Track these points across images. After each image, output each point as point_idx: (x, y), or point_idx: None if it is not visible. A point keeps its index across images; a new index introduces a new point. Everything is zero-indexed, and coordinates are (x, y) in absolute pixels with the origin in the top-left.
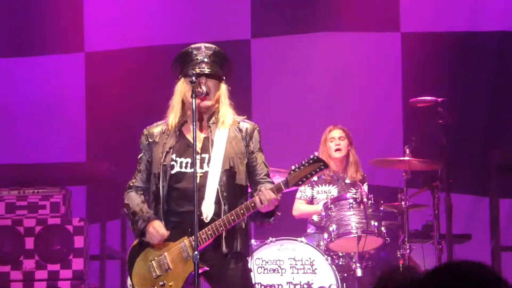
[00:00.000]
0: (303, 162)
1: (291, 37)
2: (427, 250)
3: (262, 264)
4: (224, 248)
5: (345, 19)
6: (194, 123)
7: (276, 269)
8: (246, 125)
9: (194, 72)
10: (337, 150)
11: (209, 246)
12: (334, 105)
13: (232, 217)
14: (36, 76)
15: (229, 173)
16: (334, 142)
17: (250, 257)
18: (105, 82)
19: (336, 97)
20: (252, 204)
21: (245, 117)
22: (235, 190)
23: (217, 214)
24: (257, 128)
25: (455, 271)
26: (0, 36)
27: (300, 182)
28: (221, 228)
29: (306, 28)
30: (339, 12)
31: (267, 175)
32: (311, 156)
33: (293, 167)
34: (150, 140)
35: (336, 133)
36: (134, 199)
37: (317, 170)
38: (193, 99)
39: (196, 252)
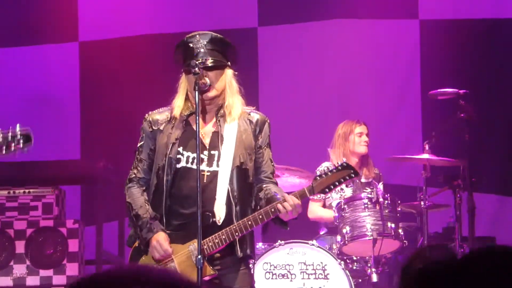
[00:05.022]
0: (331, 168)
1: (300, 25)
2: None
3: (270, 269)
4: (239, 253)
5: (358, 5)
6: (197, 117)
7: (286, 275)
8: (256, 116)
9: (195, 63)
10: (364, 145)
11: (222, 250)
12: (346, 97)
13: (250, 223)
14: (27, 67)
15: (240, 170)
16: (362, 138)
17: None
18: (101, 73)
19: (349, 89)
20: (273, 210)
21: (254, 108)
22: (246, 189)
23: (228, 216)
24: (268, 121)
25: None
26: None
27: (327, 190)
28: (237, 234)
29: (317, 15)
30: None
31: (273, 173)
32: (340, 162)
33: (319, 173)
34: (154, 127)
35: (364, 128)
36: (137, 199)
37: (346, 177)
38: (196, 92)
39: (199, 256)
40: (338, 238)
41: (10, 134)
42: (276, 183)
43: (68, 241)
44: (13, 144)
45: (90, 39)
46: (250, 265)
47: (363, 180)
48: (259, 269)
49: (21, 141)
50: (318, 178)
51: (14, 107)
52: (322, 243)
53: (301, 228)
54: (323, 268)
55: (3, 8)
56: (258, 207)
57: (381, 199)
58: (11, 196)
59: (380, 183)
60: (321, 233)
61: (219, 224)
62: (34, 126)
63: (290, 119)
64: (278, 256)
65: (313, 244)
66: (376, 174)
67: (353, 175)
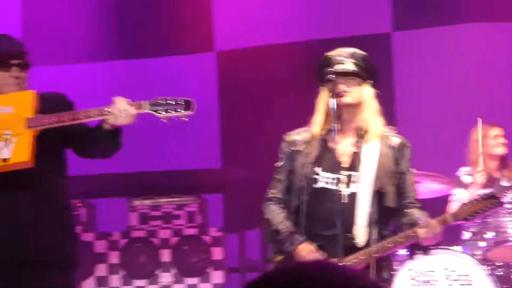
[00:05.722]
0: (476, 198)
1: (436, 29)
2: None
3: (413, 276)
4: (372, 276)
5: (498, 8)
6: (334, 125)
7: (429, 281)
8: (397, 140)
9: (331, 70)
10: (501, 146)
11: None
12: (483, 102)
13: (389, 245)
14: (166, 78)
15: (379, 194)
16: (497, 140)
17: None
18: (239, 82)
19: (486, 94)
20: (413, 234)
21: (396, 131)
22: (384, 212)
23: (367, 239)
24: (409, 146)
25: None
26: (130, 38)
27: (470, 217)
28: (376, 255)
29: (453, 19)
30: (491, 0)
31: (416, 198)
32: (486, 192)
33: (464, 201)
34: (292, 148)
35: (499, 131)
36: (277, 215)
37: (490, 206)
38: (332, 99)
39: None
40: (482, 243)
41: (171, 99)
42: (419, 208)
43: (211, 249)
44: (172, 109)
45: (227, 49)
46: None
47: (504, 183)
48: (402, 276)
49: (182, 107)
50: (463, 205)
51: (154, 118)
52: (466, 248)
53: (443, 233)
54: (467, 274)
55: (140, 21)
56: (401, 232)
57: None
58: (155, 205)
59: None
60: (464, 238)
61: (359, 246)
62: (175, 136)
63: (427, 125)
64: (421, 262)
65: (456, 250)
66: None
67: (497, 204)
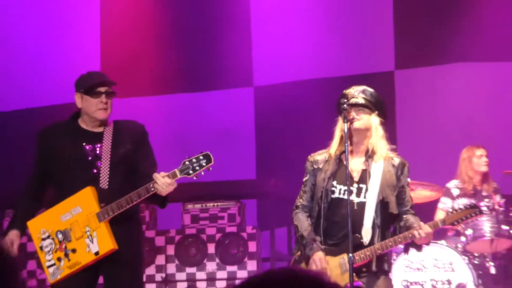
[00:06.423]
0: (461, 207)
1: (432, 68)
2: None
3: (408, 264)
4: (374, 267)
5: (487, 49)
6: (346, 144)
7: (420, 268)
8: (398, 160)
9: (344, 101)
10: (484, 165)
11: (364, 265)
12: (470, 127)
13: (390, 243)
14: (210, 109)
15: (383, 203)
16: (483, 159)
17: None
18: (274, 114)
19: (472, 121)
20: (410, 235)
21: (396, 153)
22: (386, 218)
23: (371, 238)
24: (407, 165)
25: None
26: (180, 74)
27: (456, 223)
28: (379, 251)
29: (453, 58)
30: (481, 42)
31: (412, 207)
32: (469, 203)
33: (451, 210)
34: (314, 166)
35: (483, 151)
36: (303, 222)
37: (472, 214)
38: (345, 124)
39: (350, 255)
40: (462, 238)
41: (193, 158)
42: (414, 214)
43: (248, 243)
44: (197, 167)
45: (264, 84)
46: (389, 274)
47: (484, 193)
48: (399, 264)
49: (204, 162)
50: (449, 213)
51: (203, 142)
52: (450, 242)
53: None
54: (450, 263)
55: (188, 58)
56: (399, 233)
57: (496, 207)
58: (204, 209)
59: (497, 195)
60: (449, 234)
61: (366, 244)
62: (219, 154)
63: (422, 145)
64: (414, 253)
65: (442, 244)
66: (494, 187)
67: (478, 213)
